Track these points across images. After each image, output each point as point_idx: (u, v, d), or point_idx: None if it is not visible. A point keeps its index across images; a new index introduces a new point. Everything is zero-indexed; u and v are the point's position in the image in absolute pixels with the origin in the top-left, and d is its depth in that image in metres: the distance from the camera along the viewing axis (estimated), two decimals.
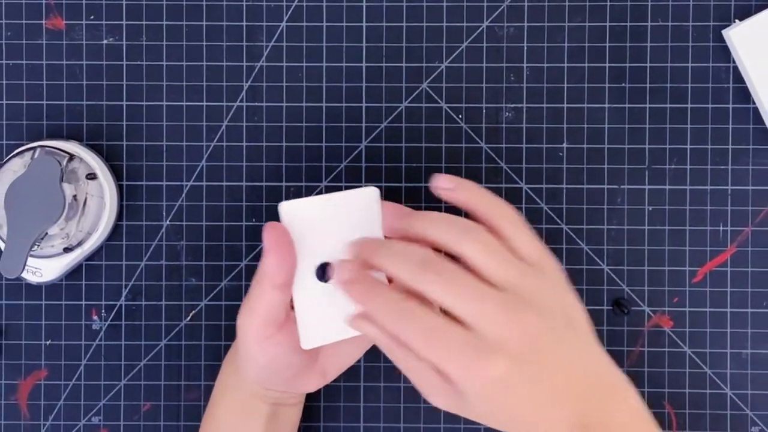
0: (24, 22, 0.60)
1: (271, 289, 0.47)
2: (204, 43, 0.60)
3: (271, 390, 0.52)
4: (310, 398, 0.59)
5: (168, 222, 0.60)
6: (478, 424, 0.59)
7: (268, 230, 0.47)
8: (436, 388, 0.45)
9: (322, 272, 0.48)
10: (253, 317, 0.48)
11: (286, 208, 0.47)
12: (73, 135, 0.60)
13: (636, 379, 0.56)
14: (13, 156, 0.56)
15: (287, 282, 0.47)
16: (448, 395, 0.45)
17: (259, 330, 0.48)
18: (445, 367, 0.44)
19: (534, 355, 0.44)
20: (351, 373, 0.58)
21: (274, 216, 0.58)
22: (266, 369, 0.50)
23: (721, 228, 0.59)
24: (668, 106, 0.59)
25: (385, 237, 0.49)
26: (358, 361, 0.58)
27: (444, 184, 0.47)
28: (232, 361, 0.54)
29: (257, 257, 0.59)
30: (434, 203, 0.57)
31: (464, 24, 0.59)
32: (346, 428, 0.60)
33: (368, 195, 0.48)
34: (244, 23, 0.60)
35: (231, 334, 0.57)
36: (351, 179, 0.59)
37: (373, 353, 0.58)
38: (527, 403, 0.45)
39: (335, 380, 0.58)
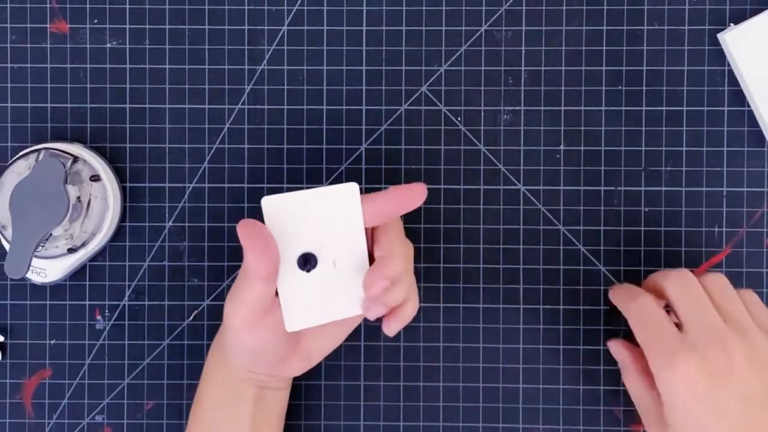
0: (29, 25, 0.60)
1: (257, 281, 0.48)
2: (206, 47, 0.60)
3: (257, 373, 0.53)
4: (311, 396, 0.60)
5: (171, 223, 0.60)
6: (478, 422, 0.59)
7: (242, 228, 0.47)
8: (650, 410, 0.51)
9: (304, 262, 0.49)
10: (241, 307, 0.49)
11: (267, 202, 0.49)
12: (77, 137, 0.60)
13: None
14: (18, 158, 0.56)
15: (272, 273, 0.48)
16: (656, 420, 0.51)
17: (247, 318, 0.49)
18: (648, 351, 0.49)
19: (730, 385, 0.47)
20: (351, 371, 0.59)
21: None
22: (253, 353, 0.51)
23: (716, 229, 0.59)
24: (664, 108, 0.59)
25: (366, 229, 0.50)
26: (358, 360, 0.60)
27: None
28: (219, 346, 0.54)
29: None
30: (434, 204, 0.59)
31: (463, 28, 0.59)
32: (346, 426, 0.60)
33: (348, 191, 0.49)
34: (246, 27, 0.60)
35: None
36: (351, 181, 0.57)
37: (374, 353, 0.60)
38: (710, 426, 0.47)
39: (336, 379, 0.59)
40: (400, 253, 0.50)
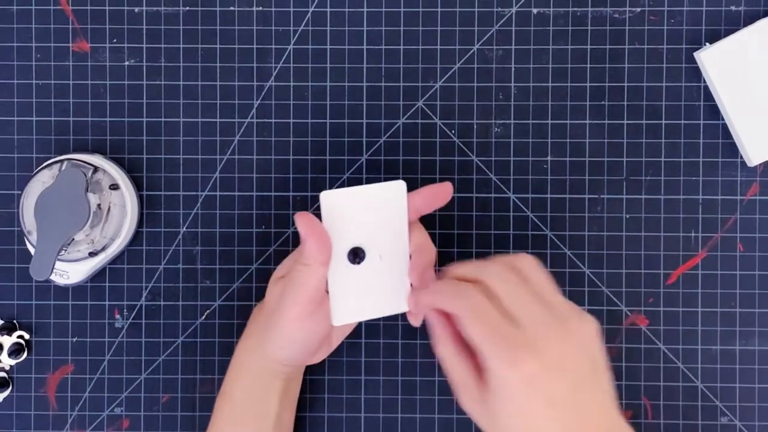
0: (52, 45, 0.60)
1: (318, 266, 0.48)
2: (218, 65, 0.60)
3: (288, 366, 0.53)
4: (315, 390, 0.60)
5: (184, 229, 0.60)
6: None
7: (300, 219, 0.48)
8: (466, 385, 0.46)
9: (354, 255, 0.50)
10: (301, 295, 0.49)
11: (325, 196, 0.49)
12: (98, 149, 0.60)
13: (614, 373, 0.58)
14: (43, 168, 0.56)
15: (328, 259, 0.49)
16: (474, 396, 0.46)
17: (305, 306, 0.49)
18: (484, 346, 0.44)
19: (563, 374, 0.44)
20: (352, 367, 0.60)
21: (284, 223, 0.60)
22: (300, 345, 0.51)
23: (692, 234, 0.59)
24: (644, 122, 0.59)
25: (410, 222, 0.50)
26: (360, 356, 0.60)
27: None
28: (247, 346, 0.54)
29: (267, 261, 0.60)
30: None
31: (456, 47, 0.59)
32: (348, 418, 0.60)
33: (396, 187, 0.50)
34: (255, 46, 0.60)
35: (243, 330, 0.56)
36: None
37: (374, 349, 0.60)
38: (542, 418, 0.44)
39: (338, 374, 0.60)
40: (430, 245, 0.51)
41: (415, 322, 0.52)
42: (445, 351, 0.47)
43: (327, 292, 0.50)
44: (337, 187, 0.58)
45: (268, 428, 0.54)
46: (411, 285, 0.51)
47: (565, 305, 0.46)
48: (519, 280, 0.46)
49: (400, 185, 0.49)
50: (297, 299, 0.49)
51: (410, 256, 0.50)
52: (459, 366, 0.47)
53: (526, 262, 0.47)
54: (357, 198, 0.49)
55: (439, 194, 0.50)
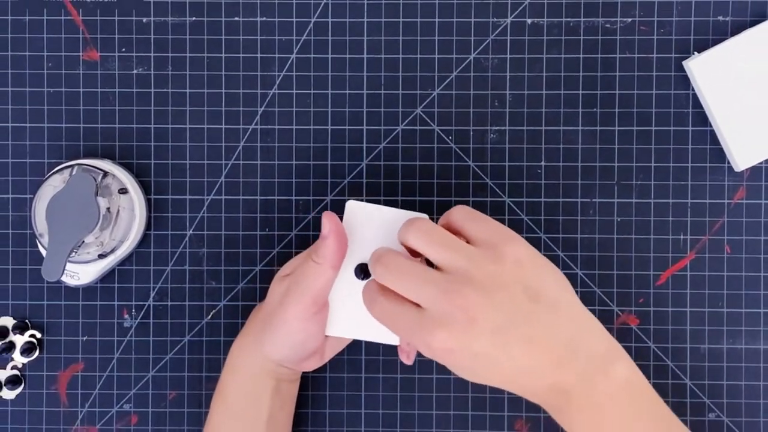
0: (63, 54, 0.60)
1: (329, 269, 0.48)
2: (223, 73, 0.60)
3: (280, 368, 0.53)
4: (317, 387, 0.60)
5: (191, 231, 0.60)
6: (467, 410, 0.60)
7: (328, 217, 0.48)
8: (411, 321, 0.46)
9: (361, 271, 0.49)
10: (307, 293, 0.49)
11: (350, 206, 0.49)
12: (107, 154, 0.60)
13: None
14: (54, 173, 0.56)
15: (339, 265, 0.49)
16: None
17: (308, 306, 0.49)
18: (409, 340, 0.46)
19: (479, 331, 0.43)
20: (353, 365, 0.60)
21: (287, 226, 0.60)
22: (296, 346, 0.51)
23: (681, 237, 0.59)
24: (635, 128, 0.59)
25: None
26: (360, 354, 0.60)
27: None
28: (243, 344, 0.54)
29: (271, 263, 0.60)
30: (427, 214, 0.59)
31: (454, 56, 0.59)
32: (348, 414, 0.60)
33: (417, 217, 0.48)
34: (259, 55, 0.60)
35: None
36: (354, 194, 0.59)
37: (374, 349, 0.60)
38: (484, 371, 0.45)
39: (340, 372, 0.60)
40: None
41: (407, 360, 0.52)
42: (379, 306, 0.47)
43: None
44: (338, 194, 0.59)
45: (261, 427, 0.53)
46: None
47: (472, 257, 0.45)
48: (403, 268, 0.45)
49: (424, 219, 0.48)
50: (302, 298, 0.49)
51: None
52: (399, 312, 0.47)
53: (419, 229, 0.46)
54: (380, 217, 0.49)
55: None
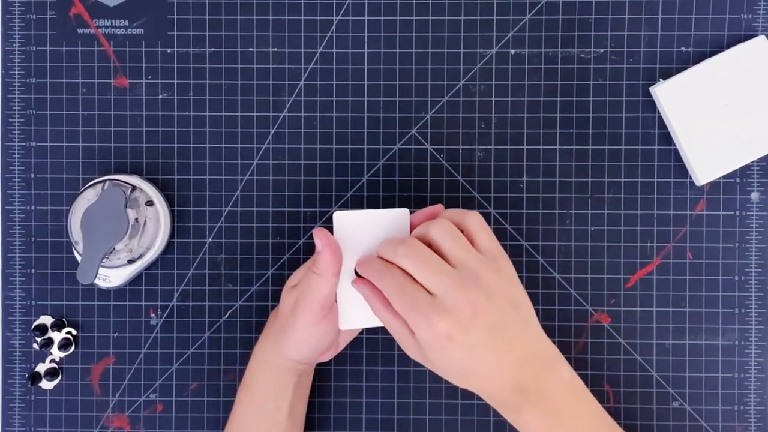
0: (96, 81, 0.60)
1: (331, 277, 0.49)
2: (239, 98, 0.60)
3: (301, 363, 0.54)
4: (322, 379, 0.60)
5: (210, 239, 0.60)
6: (457, 398, 0.59)
7: (318, 233, 0.48)
8: (405, 340, 0.47)
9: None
10: (314, 302, 0.49)
11: (338, 216, 0.50)
12: (135, 170, 0.60)
13: (581, 363, 0.58)
14: (88, 187, 0.56)
15: (339, 272, 0.49)
16: (413, 347, 0.47)
17: (317, 312, 0.49)
18: (407, 316, 0.46)
19: (477, 326, 0.45)
20: (355, 359, 0.60)
21: (296, 235, 0.59)
22: (313, 346, 0.52)
23: (648, 244, 0.59)
24: (606, 147, 0.59)
25: None
26: (361, 349, 0.60)
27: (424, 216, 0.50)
28: (264, 347, 0.54)
29: (282, 267, 0.60)
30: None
31: (445, 82, 0.59)
32: (351, 402, 0.60)
33: (401, 214, 0.50)
34: (271, 82, 0.60)
35: (261, 328, 0.57)
36: (356, 206, 0.59)
37: (373, 343, 0.60)
38: (468, 363, 0.46)
39: (342, 364, 0.59)
40: None
41: None
42: (384, 316, 0.48)
43: (336, 300, 0.51)
44: (342, 206, 0.59)
45: (283, 417, 0.53)
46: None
47: (476, 260, 0.46)
48: (425, 255, 0.46)
49: (405, 212, 0.50)
50: (310, 306, 0.50)
51: None
52: (396, 326, 0.48)
53: (443, 229, 0.47)
54: (365, 219, 0.50)
55: (432, 215, 0.51)
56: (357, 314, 0.51)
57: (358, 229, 0.50)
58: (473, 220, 0.48)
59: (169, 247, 0.60)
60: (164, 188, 0.60)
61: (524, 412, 0.47)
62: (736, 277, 0.59)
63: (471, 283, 0.46)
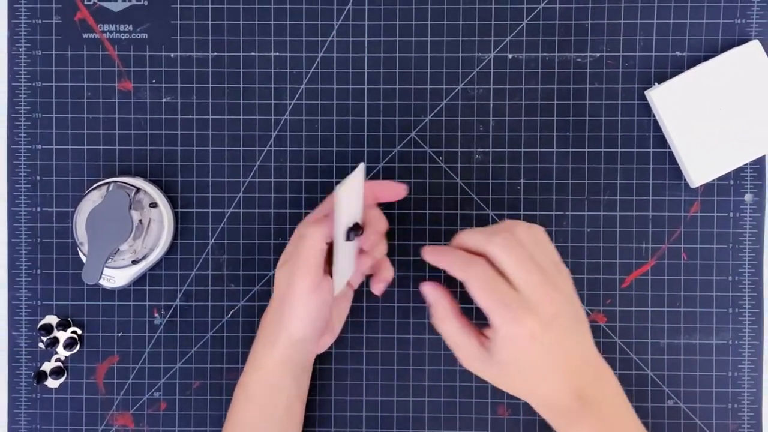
0: (101, 84, 0.60)
1: (319, 237, 0.50)
2: (241, 101, 0.60)
3: (301, 349, 0.53)
4: (324, 377, 0.60)
5: (213, 240, 0.60)
6: (456, 397, 0.59)
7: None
8: (467, 347, 0.49)
9: (347, 233, 0.50)
10: (308, 267, 0.49)
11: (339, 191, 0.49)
12: (139, 172, 0.60)
13: None
14: (93, 189, 0.56)
15: (325, 226, 0.50)
16: (475, 354, 0.48)
17: (313, 277, 0.49)
18: (494, 311, 0.46)
19: (555, 327, 0.47)
20: (355, 358, 0.60)
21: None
22: (313, 320, 0.51)
23: (643, 245, 0.59)
24: (602, 150, 0.59)
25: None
26: (361, 348, 0.60)
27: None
28: (263, 345, 0.53)
29: None
30: (420, 225, 0.59)
31: (443, 86, 0.59)
32: (351, 401, 0.60)
33: (359, 170, 0.50)
34: (272, 86, 0.60)
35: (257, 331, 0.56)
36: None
37: (373, 343, 0.59)
38: (541, 362, 0.47)
39: (343, 363, 0.59)
40: (381, 218, 0.53)
41: (379, 291, 0.54)
42: (450, 328, 0.49)
43: (327, 273, 0.51)
44: None
45: (281, 416, 0.53)
46: (362, 250, 0.52)
47: (555, 268, 0.49)
48: (520, 250, 0.47)
49: (361, 166, 0.50)
50: (306, 271, 0.50)
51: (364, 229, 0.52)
52: (460, 335, 0.49)
53: (522, 233, 0.48)
54: (347, 186, 0.49)
55: (392, 188, 0.53)
56: (344, 277, 0.52)
57: (344, 197, 0.49)
58: (541, 232, 0.50)
59: (172, 248, 0.60)
60: (168, 190, 0.60)
61: (579, 419, 0.48)
62: (730, 278, 0.59)
63: (553, 284, 0.47)
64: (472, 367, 0.50)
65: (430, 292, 0.50)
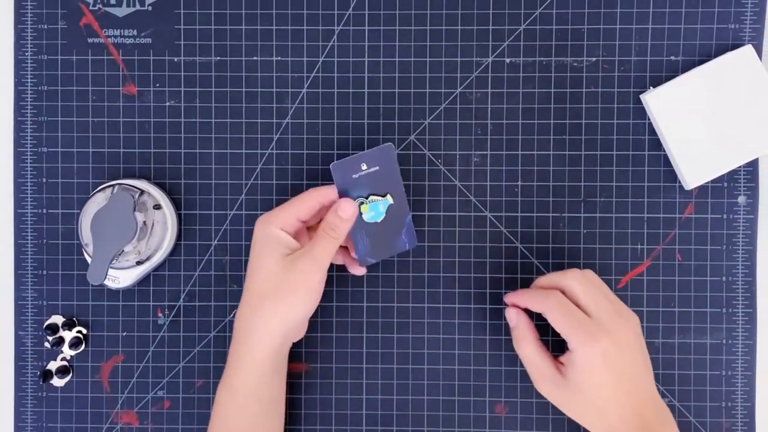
0: (106, 88, 0.60)
1: (342, 238, 0.52)
2: (243, 105, 0.60)
3: (280, 352, 0.52)
4: (325, 376, 0.60)
5: (216, 242, 0.60)
6: (454, 395, 0.59)
7: (343, 206, 0.52)
8: (544, 371, 0.52)
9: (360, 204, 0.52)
10: (326, 263, 0.51)
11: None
12: (143, 175, 0.60)
13: None
14: (97, 191, 0.56)
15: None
16: (552, 378, 0.52)
17: (323, 276, 0.51)
18: (571, 332, 0.50)
19: (626, 352, 0.50)
20: (356, 357, 0.60)
21: None
22: (315, 297, 0.51)
23: (639, 246, 0.59)
24: (598, 153, 0.59)
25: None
26: (362, 348, 0.60)
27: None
28: (240, 338, 0.52)
29: None
30: (420, 227, 0.58)
31: (442, 90, 0.59)
32: (351, 399, 0.60)
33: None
34: (274, 90, 0.60)
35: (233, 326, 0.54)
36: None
37: (373, 342, 0.58)
38: (612, 384, 0.50)
39: (344, 363, 0.60)
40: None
41: (358, 271, 0.55)
42: (529, 349, 0.53)
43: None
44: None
45: (265, 408, 0.53)
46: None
47: (620, 303, 0.53)
48: (591, 284, 0.52)
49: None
50: (322, 266, 0.51)
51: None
52: (540, 359, 0.52)
53: (591, 274, 0.53)
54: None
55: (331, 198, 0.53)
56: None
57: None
58: (595, 277, 0.54)
59: (176, 249, 0.60)
60: (171, 192, 0.60)
61: None
62: (724, 278, 0.60)
63: (622, 316, 0.51)
64: (543, 389, 0.53)
65: (514, 315, 0.55)
